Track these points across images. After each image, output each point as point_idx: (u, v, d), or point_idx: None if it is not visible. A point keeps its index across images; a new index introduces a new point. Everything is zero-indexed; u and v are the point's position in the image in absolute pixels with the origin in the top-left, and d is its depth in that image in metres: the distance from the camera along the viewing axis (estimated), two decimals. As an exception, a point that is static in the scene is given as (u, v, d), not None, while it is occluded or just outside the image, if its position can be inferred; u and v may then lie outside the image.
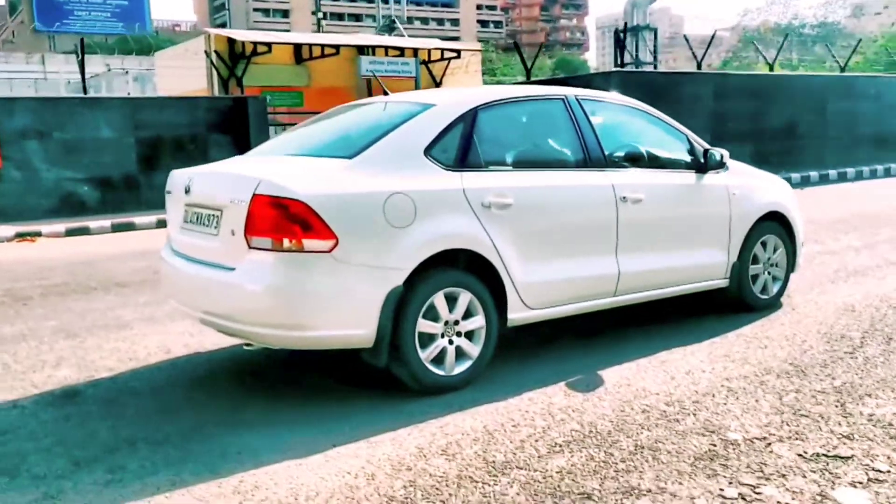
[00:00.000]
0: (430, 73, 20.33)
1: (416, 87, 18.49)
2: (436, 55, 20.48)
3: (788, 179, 15.75)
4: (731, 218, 5.19)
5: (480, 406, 3.75)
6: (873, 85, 20.67)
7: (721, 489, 2.85)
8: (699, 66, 17.39)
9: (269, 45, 17.73)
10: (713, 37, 18.04)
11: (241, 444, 3.39)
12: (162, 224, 12.51)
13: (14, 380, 4.43)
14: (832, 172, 17.23)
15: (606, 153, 4.62)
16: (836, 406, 3.64)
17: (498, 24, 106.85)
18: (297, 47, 19.00)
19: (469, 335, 4.02)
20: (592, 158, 4.56)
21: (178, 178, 4.38)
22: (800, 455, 3.12)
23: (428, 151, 3.99)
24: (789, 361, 4.32)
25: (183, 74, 18.47)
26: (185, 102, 15.33)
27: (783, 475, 2.95)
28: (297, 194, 3.56)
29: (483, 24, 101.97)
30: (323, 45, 18.64)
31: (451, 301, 3.94)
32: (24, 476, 3.14)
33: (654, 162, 4.92)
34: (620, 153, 4.73)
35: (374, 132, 4.07)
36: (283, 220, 3.56)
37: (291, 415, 3.75)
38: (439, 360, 3.93)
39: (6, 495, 2.98)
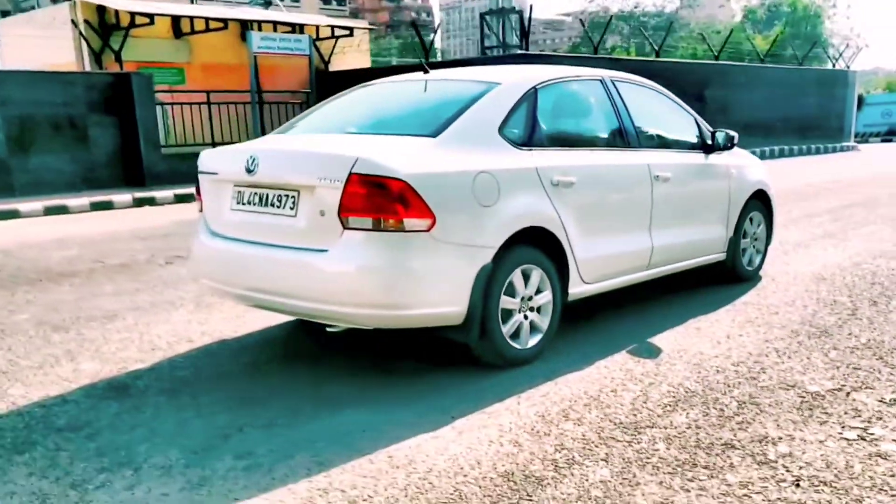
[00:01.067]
0: (318, 51, 20.07)
1: (311, 66, 18.22)
2: (326, 32, 20.27)
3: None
4: (731, 195, 5.71)
5: (566, 375, 3.99)
6: (744, 73, 22.53)
7: (839, 432, 3.26)
8: (595, 51, 18.25)
9: (150, 16, 16.88)
10: (609, 21, 18.94)
11: (358, 423, 3.46)
12: (52, 211, 11.83)
13: (35, 375, 4.22)
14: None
15: (638, 133, 4.98)
16: (878, 359, 4.17)
17: (341, 1, 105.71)
18: (176, 20, 18.21)
19: (538, 310, 4.25)
20: (629, 138, 4.90)
21: (228, 156, 4.31)
22: (880, 401, 3.59)
23: (501, 130, 4.17)
24: (808, 324, 4.85)
25: (40, 45, 17.23)
26: (57, 78, 14.39)
27: (880, 418, 3.40)
28: (398, 173, 3.62)
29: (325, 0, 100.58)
30: (208, 19, 17.94)
31: (525, 277, 4.15)
32: (147, 467, 3.08)
33: (674, 142, 5.34)
34: (648, 133, 5.11)
35: (445, 110, 4.18)
36: (383, 200, 3.61)
37: (382, 393, 3.83)
38: (515, 334, 4.14)
39: (148, 485, 2.93)
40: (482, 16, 39.33)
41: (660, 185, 4.94)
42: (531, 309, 4.20)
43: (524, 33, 18.16)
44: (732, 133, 5.63)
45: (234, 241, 4.17)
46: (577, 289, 4.46)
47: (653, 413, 3.49)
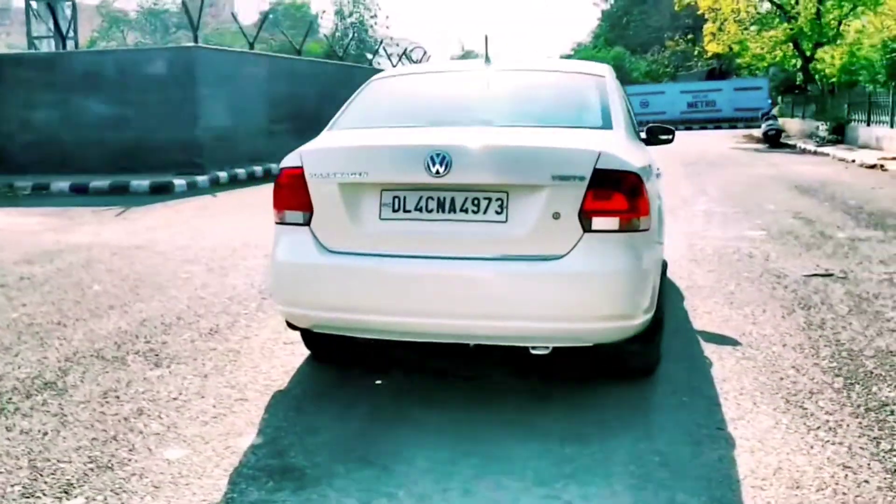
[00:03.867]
0: None
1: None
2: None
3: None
4: (659, 189, 6.09)
5: (735, 379, 3.90)
6: (364, 75, 23.50)
7: None
8: (251, 46, 17.43)
9: None
10: (265, 18, 18.18)
11: (640, 450, 3.10)
12: None
13: (128, 482, 2.93)
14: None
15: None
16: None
17: None
18: None
19: None
20: (637, 130, 4.96)
21: (385, 154, 3.50)
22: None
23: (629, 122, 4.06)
24: (827, 304, 5.17)
25: None
26: None
27: None
28: (634, 167, 3.35)
29: None
30: None
31: None
32: None
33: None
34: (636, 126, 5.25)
35: (585, 102, 3.98)
36: (626, 197, 3.29)
37: (588, 420, 3.42)
38: None
39: None
40: (27, 2, 35.24)
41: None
42: None
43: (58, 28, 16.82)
44: (671, 126, 5.90)
45: (390, 259, 3.37)
46: None
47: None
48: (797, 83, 35.62)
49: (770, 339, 4.48)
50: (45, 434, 3.33)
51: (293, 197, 3.50)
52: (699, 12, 33.35)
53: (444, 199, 3.32)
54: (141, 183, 12.51)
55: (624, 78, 43.71)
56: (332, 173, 3.42)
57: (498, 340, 3.48)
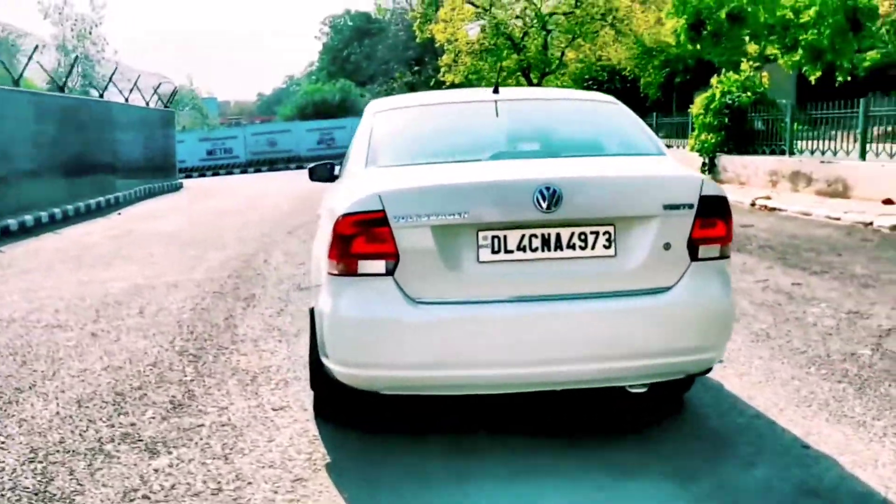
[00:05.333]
0: None
1: None
2: None
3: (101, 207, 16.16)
4: None
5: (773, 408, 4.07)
6: (126, 113, 21.85)
7: None
8: (17, 83, 15.41)
9: None
10: (35, 50, 16.06)
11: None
12: None
13: None
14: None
15: None
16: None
17: None
18: None
19: None
20: None
21: (484, 192, 3.19)
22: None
23: None
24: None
25: None
26: None
27: None
28: (724, 192, 3.38)
29: None
30: None
31: None
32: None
33: None
34: None
35: (621, 128, 3.94)
36: (726, 223, 3.32)
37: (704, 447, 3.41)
38: None
39: None
40: None
41: None
42: None
43: None
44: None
45: (492, 305, 3.13)
46: None
47: None
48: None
49: (741, 353, 4.69)
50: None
51: (371, 244, 3.11)
52: (437, 44, 34.60)
53: (549, 236, 3.14)
54: None
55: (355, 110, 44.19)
56: (425, 215, 3.09)
57: (600, 382, 3.35)
